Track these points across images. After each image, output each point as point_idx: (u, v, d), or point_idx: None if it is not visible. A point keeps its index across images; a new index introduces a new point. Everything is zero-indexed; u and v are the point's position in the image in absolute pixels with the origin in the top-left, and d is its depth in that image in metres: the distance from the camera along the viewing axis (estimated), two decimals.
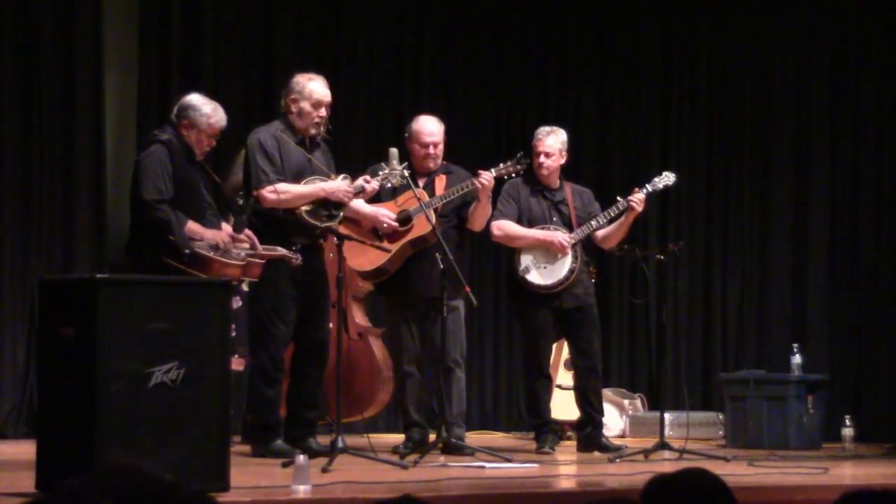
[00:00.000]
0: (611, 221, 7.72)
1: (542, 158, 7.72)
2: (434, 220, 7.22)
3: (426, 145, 7.47)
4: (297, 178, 6.84)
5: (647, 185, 7.75)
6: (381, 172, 7.05)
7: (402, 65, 9.85)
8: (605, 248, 7.93)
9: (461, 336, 7.50)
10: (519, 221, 7.71)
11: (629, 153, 10.33)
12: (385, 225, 7.29)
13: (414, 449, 7.11)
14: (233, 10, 9.18)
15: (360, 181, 6.92)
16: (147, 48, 8.82)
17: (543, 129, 7.81)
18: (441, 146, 7.51)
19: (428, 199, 7.30)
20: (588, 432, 7.79)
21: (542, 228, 7.70)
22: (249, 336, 7.23)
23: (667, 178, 7.81)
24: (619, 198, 7.69)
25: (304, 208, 6.78)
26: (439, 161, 7.53)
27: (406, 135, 7.56)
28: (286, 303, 6.84)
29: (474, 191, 7.31)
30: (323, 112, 6.97)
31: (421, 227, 7.29)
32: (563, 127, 7.92)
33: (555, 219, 7.74)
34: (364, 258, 7.38)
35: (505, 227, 7.71)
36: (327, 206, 6.84)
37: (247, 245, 6.42)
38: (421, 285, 7.33)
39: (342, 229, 6.89)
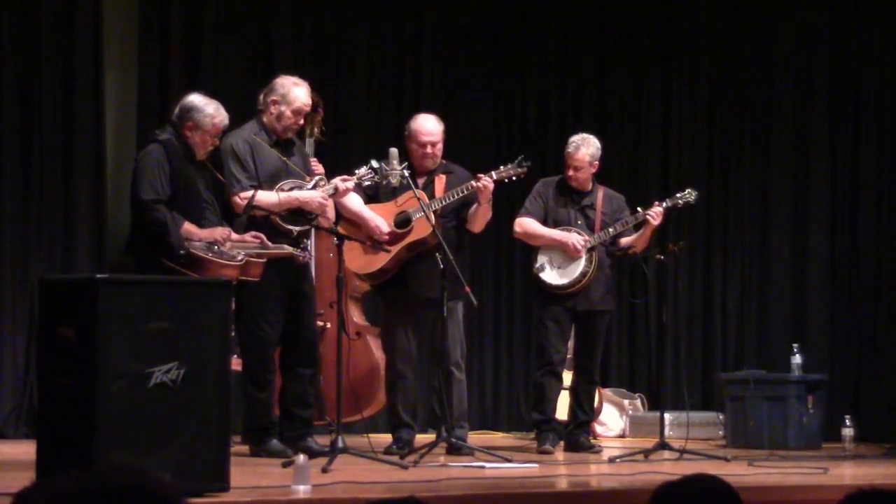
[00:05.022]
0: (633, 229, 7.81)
1: (571, 172, 7.78)
2: (434, 221, 7.18)
3: (423, 144, 7.41)
4: (272, 181, 6.80)
5: (666, 200, 7.81)
6: (358, 171, 6.96)
7: (403, 64, 9.84)
8: (630, 255, 8.00)
9: (461, 337, 7.50)
10: (545, 221, 7.76)
11: (629, 154, 10.32)
12: (380, 235, 7.23)
13: (403, 449, 7.07)
14: (233, 9, 9.18)
15: (335, 181, 6.88)
16: (147, 48, 8.81)
17: (573, 143, 7.82)
18: (440, 145, 7.45)
19: (428, 200, 7.27)
20: (570, 430, 7.88)
21: (564, 230, 7.74)
22: (237, 339, 7.21)
23: (689, 196, 7.87)
24: (638, 209, 7.76)
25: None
26: (438, 160, 7.48)
27: (405, 133, 7.54)
28: (271, 304, 6.81)
29: (474, 193, 7.30)
30: (301, 121, 6.95)
31: (420, 230, 7.24)
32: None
33: (579, 222, 7.79)
34: (364, 260, 7.35)
35: (525, 225, 7.79)
36: (303, 211, 6.83)
37: (256, 242, 6.41)
38: (420, 286, 7.29)
39: (341, 229, 6.86)
